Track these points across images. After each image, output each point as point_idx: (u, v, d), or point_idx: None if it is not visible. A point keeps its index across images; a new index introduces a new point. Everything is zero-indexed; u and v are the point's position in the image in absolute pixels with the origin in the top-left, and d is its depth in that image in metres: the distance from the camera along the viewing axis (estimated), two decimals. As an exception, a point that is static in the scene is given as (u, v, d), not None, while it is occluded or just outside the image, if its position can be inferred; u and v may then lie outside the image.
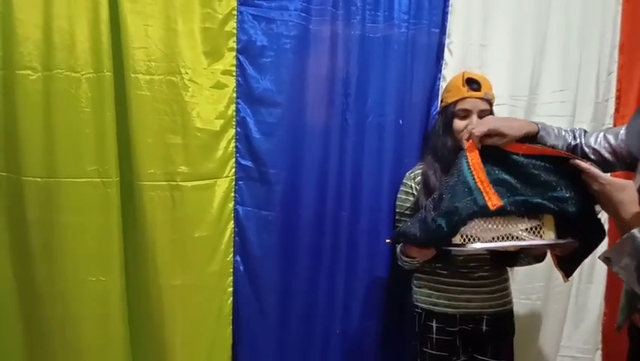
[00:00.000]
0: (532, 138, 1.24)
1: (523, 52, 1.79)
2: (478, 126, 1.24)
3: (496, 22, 1.76)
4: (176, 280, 1.56)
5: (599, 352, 1.96)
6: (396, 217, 1.58)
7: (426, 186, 1.47)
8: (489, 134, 1.21)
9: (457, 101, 1.44)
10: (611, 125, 1.92)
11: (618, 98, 1.92)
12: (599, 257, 1.06)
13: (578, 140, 1.26)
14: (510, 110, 1.76)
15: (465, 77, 1.46)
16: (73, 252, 1.49)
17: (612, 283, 1.94)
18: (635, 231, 0.95)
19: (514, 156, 1.23)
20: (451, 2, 1.71)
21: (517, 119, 1.31)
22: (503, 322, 1.51)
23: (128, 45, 1.44)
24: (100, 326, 1.52)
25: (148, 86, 1.48)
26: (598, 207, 1.23)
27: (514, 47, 1.78)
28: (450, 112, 1.45)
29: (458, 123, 1.43)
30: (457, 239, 1.24)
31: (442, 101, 1.54)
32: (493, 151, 1.23)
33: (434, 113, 1.73)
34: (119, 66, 1.45)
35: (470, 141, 1.25)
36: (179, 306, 1.57)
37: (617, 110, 1.92)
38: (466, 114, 1.43)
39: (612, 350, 1.93)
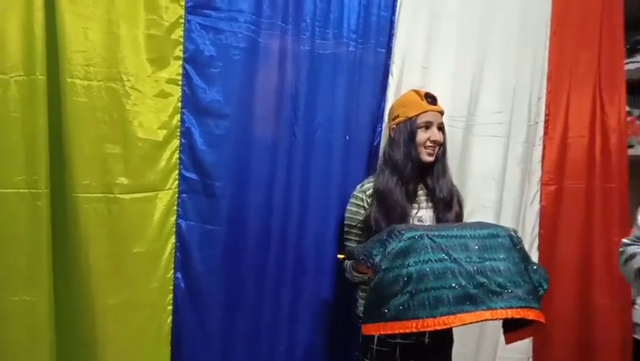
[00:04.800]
0: None
1: (463, 75, 1.88)
2: None
3: (438, 46, 1.84)
4: (111, 298, 1.47)
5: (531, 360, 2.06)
6: (346, 230, 1.59)
7: (381, 200, 1.51)
8: None
9: (419, 115, 1.52)
10: (541, 145, 2.05)
11: (547, 121, 2.06)
12: None
13: None
14: (449, 130, 1.82)
15: (423, 93, 1.55)
16: (-6, 269, 1.36)
17: (545, 296, 2.05)
18: None
19: None
20: (396, 25, 1.77)
21: None
22: (444, 333, 1.55)
23: (65, 48, 1.36)
24: (25, 351, 1.39)
25: (86, 92, 1.40)
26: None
27: (454, 70, 1.86)
28: (412, 125, 1.52)
29: (421, 135, 1.51)
30: None
31: (396, 117, 1.58)
32: None
33: (379, 130, 1.77)
34: (54, 70, 1.36)
35: None
36: (114, 326, 1.48)
37: (545, 133, 2.06)
38: (428, 126, 1.51)
39: (542, 358, 2.04)
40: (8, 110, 1.34)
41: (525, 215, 2.04)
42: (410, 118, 1.52)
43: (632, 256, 1.40)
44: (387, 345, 1.49)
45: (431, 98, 1.55)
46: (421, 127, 1.52)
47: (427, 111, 1.52)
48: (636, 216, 1.44)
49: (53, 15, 1.35)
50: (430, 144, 1.52)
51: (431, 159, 1.53)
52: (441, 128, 1.55)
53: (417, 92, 1.58)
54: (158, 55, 1.49)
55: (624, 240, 1.48)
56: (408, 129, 1.52)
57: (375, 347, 1.49)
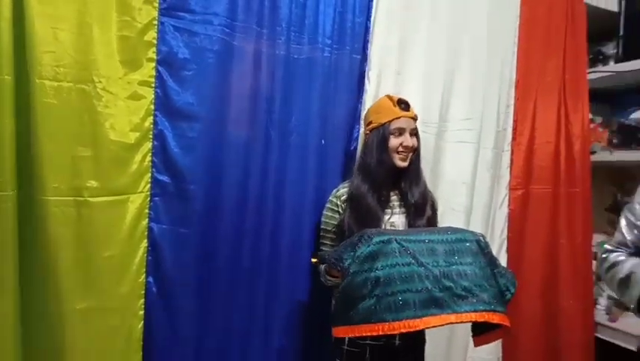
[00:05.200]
0: None
1: (434, 82, 1.92)
2: None
3: (411, 52, 1.88)
4: (80, 303, 1.43)
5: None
6: (321, 234, 1.61)
7: (354, 205, 1.52)
8: None
9: (391, 121, 1.53)
10: (509, 151, 2.11)
11: (514, 128, 2.13)
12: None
13: None
14: (422, 135, 1.86)
15: (396, 99, 1.57)
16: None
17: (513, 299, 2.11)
18: None
19: None
20: (371, 31, 1.80)
21: None
22: (415, 334, 1.57)
23: (34, 48, 1.33)
24: (-13, 358, 1.35)
25: (55, 94, 1.37)
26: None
27: (426, 76, 1.90)
28: (385, 131, 1.53)
29: (394, 141, 1.53)
30: None
31: (370, 123, 1.60)
32: None
33: (355, 135, 1.79)
34: (22, 70, 1.33)
35: None
36: (83, 332, 1.44)
37: (514, 138, 2.13)
38: (400, 132, 1.53)
39: (510, 359, 2.10)
40: (-28, 110, 1.30)
41: (494, 219, 2.10)
42: (383, 124, 1.54)
43: (615, 264, 1.36)
44: (358, 346, 1.51)
45: (404, 104, 1.57)
46: (394, 133, 1.53)
47: (399, 117, 1.54)
48: (619, 220, 1.39)
49: (22, 14, 1.32)
50: (402, 150, 1.54)
51: (404, 164, 1.55)
52: (414, 133, 1.57)
53: (390, 98, 1.60)
54: (131, 57, 1.47)
55: (606, 245, 1.43)
56: (380, 135, 1.54)
57: (346, 347, 1.51)
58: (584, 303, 2.15)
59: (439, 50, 1.92)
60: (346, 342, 1.51)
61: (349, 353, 1.51)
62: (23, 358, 1.40)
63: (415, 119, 1.60)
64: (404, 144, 1.53)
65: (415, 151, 1.58)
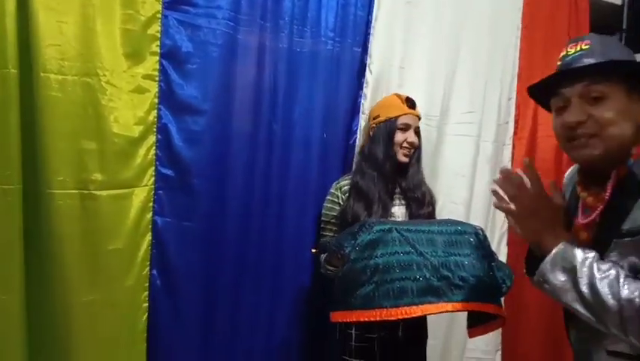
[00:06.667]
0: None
1: (437, 76, 1.93)
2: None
3: (414, 46, 1.88)
4: (86, 296, 1.45)
5: (499, 353, 2.13)
6: (322, 225, 1.63)
7: (361, 195, 1.55)
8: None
9: (398, 116, 1.58)
10: (510, 144, 2.12)
11: (516, 121, 2.14)
12: (533, 283, 0.97)
13: None
14: (424, 128, 1.88)
15: (404, 97, 1.62)
16: (-37, 267, 1.33)
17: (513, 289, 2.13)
18: (563, 242, 0.91)
19: None
20: (373, 24, 1.80)
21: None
22: (418, 328, 1.60)
23: (38, 42, 1.33)
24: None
25: (60, 87, 1.37)
26: None
27: (429, 70, 1.91)
28: (392, 125, 1.58)
29: (400, 136, 1.58)
30: None
31: (377, 117, 1.63)
32: None
33: (355, 128, 1.80)
34: (27, 64, 1.33)
35: None
36: (89, 324, 1.46)
37: (515, 133, 2.14)
38: (406, 128, 1.59)
39: (510, 350, 2.12)
40: (-22, 104, 1.31)
41: (495, 212, 2.11)
42: (390, 118, 1.59)
43: None
44: (366, 340, 1.52)
45: (410, 102, 1.63)
46: (400, 128, 1.58)
47: (406, 114, 1.60)
48: None
49: (26, 8, 1.32)
50: (406, 145, 1.59)
51: (406, 160, 1.60)
52: (417, 132, 1.62)
53: (398, 96, 1.65)
54: (135, 50, 1.48)
55: None
56: (387, 129, 1.58)
57: (354, 343, 1.52)
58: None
59: (441, 44, 1.93)
60: (354, 338, 1.52)
61: (358, 349, 1.52)
62: (29, 349, 1.42)
63: (419, 118, 1.64)
64: (408, 139, 1.58)
65: (417, 149, 1.62)
